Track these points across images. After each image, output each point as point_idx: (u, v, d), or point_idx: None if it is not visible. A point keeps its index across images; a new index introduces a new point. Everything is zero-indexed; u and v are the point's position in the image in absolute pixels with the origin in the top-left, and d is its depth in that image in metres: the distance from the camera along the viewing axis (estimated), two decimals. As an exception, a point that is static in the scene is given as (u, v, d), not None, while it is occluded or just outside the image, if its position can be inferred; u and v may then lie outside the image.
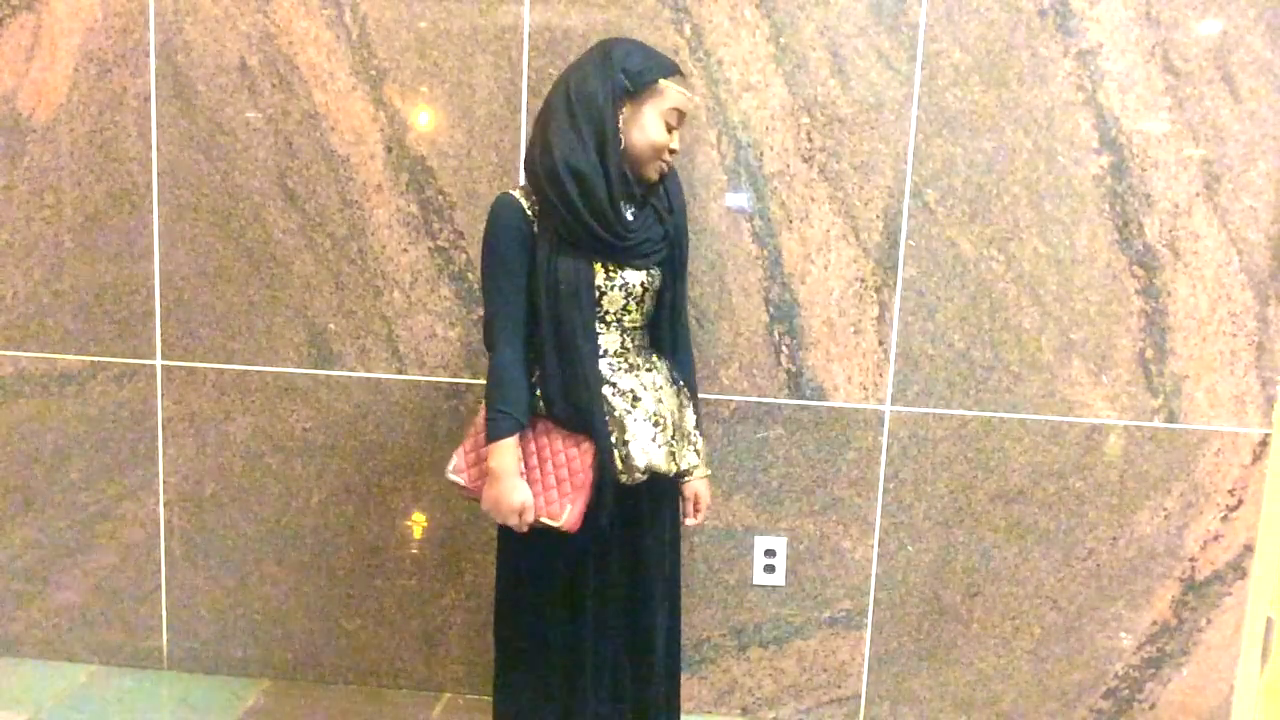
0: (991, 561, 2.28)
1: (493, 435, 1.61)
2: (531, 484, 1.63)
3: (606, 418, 1.64)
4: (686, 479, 1.81)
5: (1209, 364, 2.18)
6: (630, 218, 1.66)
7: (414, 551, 2.38)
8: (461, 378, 2.31)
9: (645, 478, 1.67)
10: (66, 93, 2.29)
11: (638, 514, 1.74)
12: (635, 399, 1.67)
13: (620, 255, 1.64)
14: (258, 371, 2.35)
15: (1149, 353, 2.18)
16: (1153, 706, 2.30)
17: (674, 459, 1.71)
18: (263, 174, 2.28)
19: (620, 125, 1.60)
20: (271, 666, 2.46)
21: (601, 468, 1.62)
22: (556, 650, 1.73)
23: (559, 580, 1.72)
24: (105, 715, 2.27)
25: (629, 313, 1.69)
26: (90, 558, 2.46)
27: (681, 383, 1.80)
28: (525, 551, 1.70)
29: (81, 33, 2.27)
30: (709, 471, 1.87)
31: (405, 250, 2.27)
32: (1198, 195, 2.13)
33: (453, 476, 1.70)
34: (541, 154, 1.60)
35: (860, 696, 2.35)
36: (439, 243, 2.26)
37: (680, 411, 1.77)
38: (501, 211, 1.63)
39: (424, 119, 2.23)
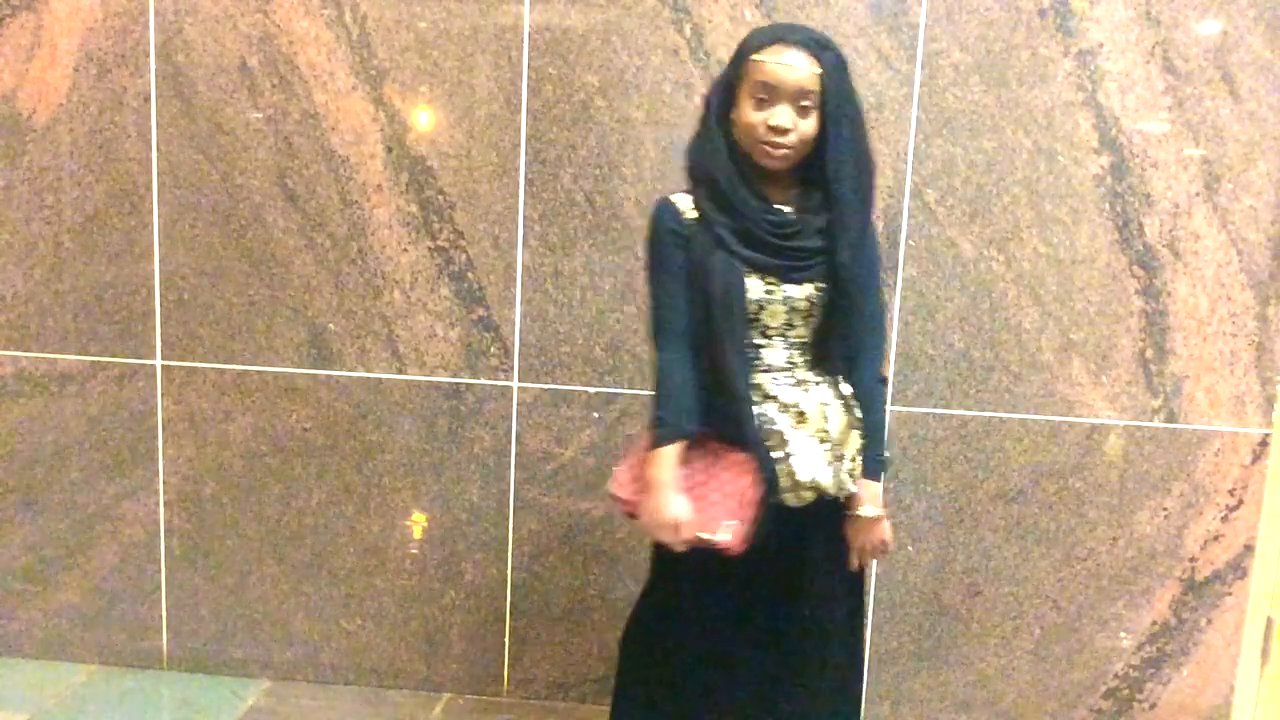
0: (991, 561, 2.28)
1: (652, 443, 1.54)
2: (695, 499, 1.53)
3: (762, 434, 1.54)
4: (847, 514, 1.65)
5: (1209, 364, 2.18)
6: (790, 216, 1.56)
7: (414, 551, 2.38)
8: (461, 377, 2.30)
9: (812, 498, 1.56)
10: (66, 93, 2.29)
11: (799, 549, 1.61)
12: (801, 414, 1.57)
13: (770, 260, 1.54)
14: (258, 371, 2.35)
15: (1149, 353, 2.18)
16: (1153, 706, 2.30)
17: (839, 481, 1.58)
18: (263, 174, 2.28)
19: (732, 114, 1.55)
20: (271, 666, 2.46)
21: (767, 483, 1.51)
22: (683, 680, 1.63)
23: (705, 610, 1.61)
24: (105, 715, 2.27)
25: (793, 328, 1.59)
26: (90, 558, 2.46)
27: (854, 404, 1.62)
28: (680, 574, 1.62)
29: (81, 33, 2.27)
30: (878, 511, 1.64)
31: (405, 250, 2.27)
32: (1198, 195, 2.13)
33: (612, 489, 1.63)
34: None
35: (860, 697, 2.34)
36: (439, 243, 2.26)
37: (846, 433, 1.60)
38: (656, 213, 1.60)
39: (424, 119, 2.23)
